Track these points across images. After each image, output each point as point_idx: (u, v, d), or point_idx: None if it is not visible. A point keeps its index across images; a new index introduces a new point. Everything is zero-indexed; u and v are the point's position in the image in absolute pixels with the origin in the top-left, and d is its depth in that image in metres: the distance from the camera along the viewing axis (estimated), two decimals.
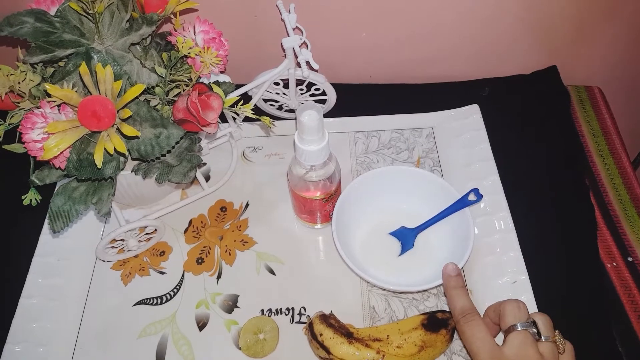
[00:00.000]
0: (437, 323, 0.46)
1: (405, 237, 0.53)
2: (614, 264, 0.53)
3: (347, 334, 0.46)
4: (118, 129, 0.36)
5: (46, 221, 0.56)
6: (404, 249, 0.53)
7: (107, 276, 0.54)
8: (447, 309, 0.49)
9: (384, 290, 0.51)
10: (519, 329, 0.40)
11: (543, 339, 0.40)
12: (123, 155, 0.36)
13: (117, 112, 0.35)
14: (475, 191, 0.51)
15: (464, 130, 0.62)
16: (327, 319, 0.47)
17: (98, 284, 0.53)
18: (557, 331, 0.41)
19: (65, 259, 0.54)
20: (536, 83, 0.68)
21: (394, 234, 0.54)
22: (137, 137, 0.36)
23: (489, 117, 0.62)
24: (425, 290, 0.51)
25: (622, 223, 0.56)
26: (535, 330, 0.40)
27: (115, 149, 0.34)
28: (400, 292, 0.51)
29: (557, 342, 0.40)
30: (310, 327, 0.47)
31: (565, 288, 0.51)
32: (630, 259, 0.53)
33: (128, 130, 0.35)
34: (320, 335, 0.45)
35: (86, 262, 0.54)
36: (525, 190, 0.58)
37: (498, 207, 0.54)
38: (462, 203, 0.51)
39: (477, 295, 0.50)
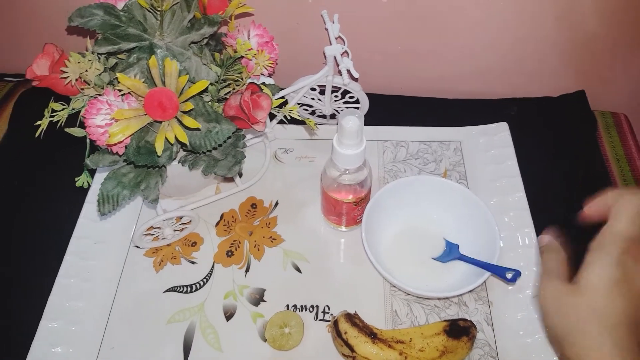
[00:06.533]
0: (459, 330, 0.48)
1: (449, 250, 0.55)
2: None
3: (371, 333, 0.47)
4: (178, 121, 0.38)
5: (85, 204, 0.58)
6: (443, 258, 0.54)
7: (140, 262, 0.56)
8: (469, 318, 0.51)
9: (408, 294, 0.53)
10: None
11: None
12: (185, 145, 0.38)
13: (180, 104, 0.37)
14: (517, 273, 0.49)
15: (492, 146, 0.63)
16: (352, 318, 0.48)
17: (131, 269, 0.55)
18: None
19: (101, 242, 0.56)
20: (564, 106, 0.70)
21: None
22: (198, 129, 0.39)
23: (515, 135, 0.64)
24: (447, 298, 0.52)
25: None
26: None
27: (176, 138, 0.36)
28: (424, 297, 0.52)
29: None
30: (335, 324, 0.48)
31: None
32: None
33: (190, 122, 0.37)
34: (345, 333, 0.47)
35: (120, 247, 0.56)
36: (549, 210, 0.59)
37: (523, 223, 0.56)
38: (500, 270, 0.50)
39: (497, 307, 0.52)
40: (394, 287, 0.53)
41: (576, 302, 0.34)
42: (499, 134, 0.64)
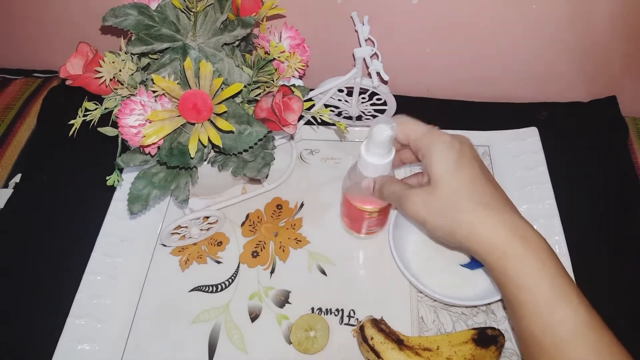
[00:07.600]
0: (487, 339, 0.47)
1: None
2: None
3: (398, 340, 0.47)
4: (212, 123, 0.38)
5: (112, 202, 0.59)
6: (471, 265, 0.53)
7: (166, 260, 0.56)
8: (497, 326, 0.50)
9: (435, 301, 0.52)
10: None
11: None
12: (218, 147, 0.38)
13: (213, 107, 0.37)
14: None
15: (521, 151, 0.62)
16: (378, 324, 0.48)
17: (157, 267, 0.56)
18: None
19: (127, 240, 0.57)
20: (594, 111, 0.68)
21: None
22: (231, 132, 0.38)
23: (544, 141, 0.63)
24: (475, 307, 0.52)
25: None
26: None
27: (209, 139, 0.36)
28: (452, 304, 0.51)
29: None
30: (361, 329, 0.48)
31: (615, 314, 0.51)
32: None
33: (223, 124, 0.37)
34: (372, 339, 0.47)
35: (147, 245, 0.57)
36: (579, 217, 0.58)
37: (553, 230, 0.55)
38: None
39: None
40: (421, 293, 0.52)
41: (440, 195, 0.38)
42: (528, 139, 0.63)
